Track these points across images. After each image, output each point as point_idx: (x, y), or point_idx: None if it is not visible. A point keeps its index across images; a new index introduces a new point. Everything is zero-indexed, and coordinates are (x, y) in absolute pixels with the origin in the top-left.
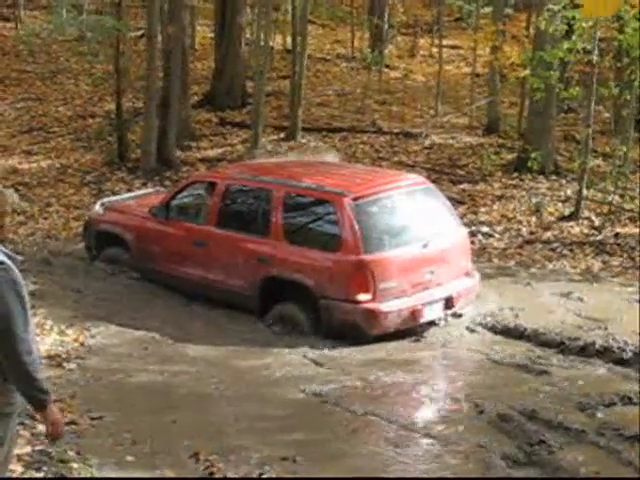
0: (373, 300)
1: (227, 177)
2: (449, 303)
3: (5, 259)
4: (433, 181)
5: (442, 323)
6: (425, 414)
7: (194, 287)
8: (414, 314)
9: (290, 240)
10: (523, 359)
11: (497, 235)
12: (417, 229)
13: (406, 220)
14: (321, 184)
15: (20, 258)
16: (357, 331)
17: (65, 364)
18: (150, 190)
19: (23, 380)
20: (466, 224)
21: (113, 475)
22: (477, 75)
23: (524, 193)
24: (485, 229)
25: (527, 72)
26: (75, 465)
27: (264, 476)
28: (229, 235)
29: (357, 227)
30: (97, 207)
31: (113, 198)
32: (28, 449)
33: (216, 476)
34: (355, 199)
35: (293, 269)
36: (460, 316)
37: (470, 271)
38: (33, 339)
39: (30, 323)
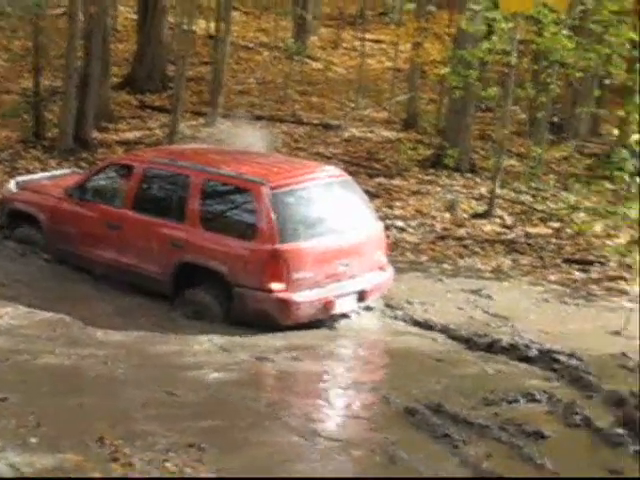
0: (286, 290)
1: (145, 161)
2: (362, 296)
3: None
4: (350, 173)
5: (354, 315)
6: (332, 404)
7: (107, 270)
8: (327, 305)
9: (206, 226)
10: (431, 353)
11: (411, 230)
12: (333, 221)
13: (322, 212)
14: (240, 172)
15: None
16: (269, 320)
17: None
18: (66, 171)
19: None
20: (381, 218)
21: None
22: (398, 70)
23: (439, 189)
24: (399, 223)
25: (447, 70)
26: None
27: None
28: (144, 219)
29: (274, 216)
30: (11, 185)
31: (28, 177)
32: None
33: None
34: (273, 188)
35: (207, 255)
36: (372, 309)
37: (384, 265)
38: None
39: None
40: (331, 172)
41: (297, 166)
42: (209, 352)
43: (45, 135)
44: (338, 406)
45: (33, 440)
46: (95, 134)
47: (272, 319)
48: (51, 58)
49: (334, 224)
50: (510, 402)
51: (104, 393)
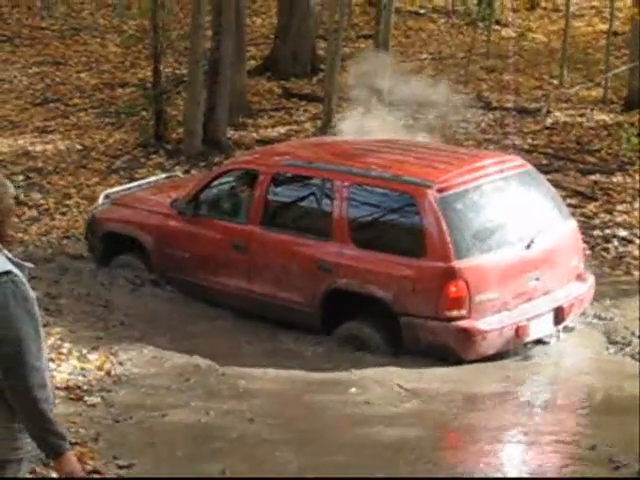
0: (468, 317)
1: (273, 164)
2: (560, 315)
3: (13, 268)
4: (556, 170)
5: (554, 341)
6: (541, 471)
7: (235, 301)
8: (519, 331)
9: (359, 243)
10: None
11: (639, 241)
12: (518, 225)
13: (504, 214)
14: (396, 173)
15: (30, 265)
16: (449, 355)
17: (87, 398)
18: (162, 176)
19: (34, 420)
20: (598, 226)
21: None
22: (615, 34)
23: None
24: (623, 233)
25: None
26: None
27: None
28: (279, 237)
29: (445, 226)
30: (101, 200)
31: (118, 188)
32: None
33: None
34: (441, 191)
35: (365, 279)
36: (572, 329)
37: (583, 273)
38: (47, 368)
39: (44, 348)
40: (509, 163)
41: (466, 158)
42: (376, 399)
43: (169, 136)
44: (549, 471)
45: None
46: (230, 132)
47: (452, 353)
48: (173, 40)
49: (519, 229)
50: None
51: (250, 458)
